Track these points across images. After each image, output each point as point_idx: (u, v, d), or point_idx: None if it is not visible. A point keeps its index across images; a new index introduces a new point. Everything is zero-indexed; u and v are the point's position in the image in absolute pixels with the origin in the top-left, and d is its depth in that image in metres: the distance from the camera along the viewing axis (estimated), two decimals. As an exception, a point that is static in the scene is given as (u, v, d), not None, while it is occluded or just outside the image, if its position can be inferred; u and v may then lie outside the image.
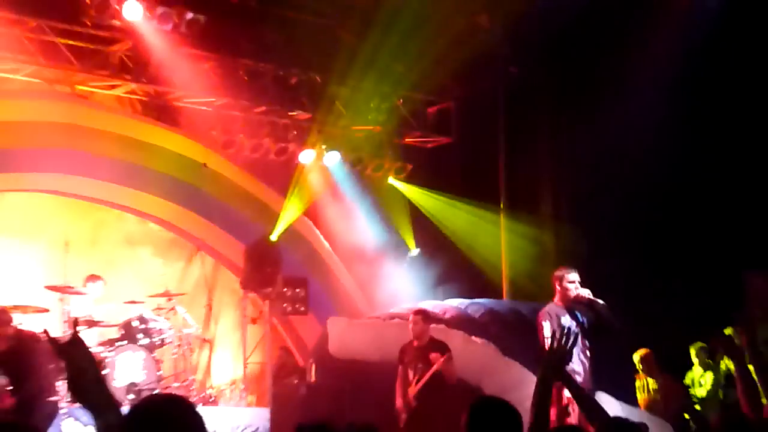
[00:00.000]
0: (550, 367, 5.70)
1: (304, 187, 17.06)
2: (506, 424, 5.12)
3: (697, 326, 13.90)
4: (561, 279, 11.23)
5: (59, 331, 12.97)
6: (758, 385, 5.95)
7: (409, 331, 12.85)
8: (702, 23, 14.94)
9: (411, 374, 12.55)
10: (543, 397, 5.57)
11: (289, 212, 16.81)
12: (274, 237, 16.40)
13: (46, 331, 4.39)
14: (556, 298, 11.22)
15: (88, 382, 3.73)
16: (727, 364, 13.79)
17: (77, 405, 12.63)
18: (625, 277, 15.40)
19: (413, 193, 18.33)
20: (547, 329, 10.87)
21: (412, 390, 12.44)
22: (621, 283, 14.55)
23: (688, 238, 15.78)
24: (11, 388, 11.67)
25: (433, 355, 12.32)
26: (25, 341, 11.70)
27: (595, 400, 6.80)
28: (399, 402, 12.56)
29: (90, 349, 3.81)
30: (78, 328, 4.04)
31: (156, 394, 3.53)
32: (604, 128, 15.38)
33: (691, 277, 15.31)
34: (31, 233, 15.86)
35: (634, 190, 15.60)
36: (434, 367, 12.34)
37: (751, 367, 6.03)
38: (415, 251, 18.17)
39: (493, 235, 18.12)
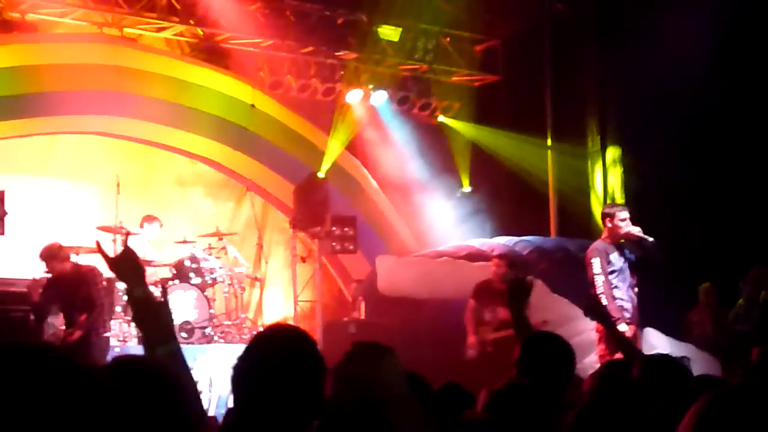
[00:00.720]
0: (512, 296, 5.98)
1: (348, 124, 17.11)
2: (558, 358, 5.23)
3: (745, 262, 13.83)
4: (611, 216, 11.20)
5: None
6: None
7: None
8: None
9: (488, 315, 12.55)
10: (515, 318, 5.82)
11: (334, 149, 16.88)
12: (321, 174, 16.46)
13: (98, 243, 4.52)
14: (605, 235, 11.22)
15: (149, 308, 3.85)
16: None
17: (132, 342, 12.88)
18: (673, 211, 15.37)
19: (463, 128, 18.33)
20: (596, 266, 10.92)
21: (490, 334, 12.44)
22: (669, 218, 14.54)
23: (738, 171, 15.62)
24: (67, 324, 11.93)
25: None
26: (84, 275, 11.93)
27: (627, 338, 6.88)
28: (471, 338, 12.56)
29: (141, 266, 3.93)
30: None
31: (279, 324, 3.61)
32: (650, 61, 15.27)
33: (740, 213, 15.20)
34: (83, 175, 16.07)
35: (682, 123, 15.47)
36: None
37: None
38: (465, 188, 18.22)
39: (542, 171, 18.11)
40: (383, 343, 3.93)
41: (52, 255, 11.86)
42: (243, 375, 3.47)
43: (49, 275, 12.01)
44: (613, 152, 17.37)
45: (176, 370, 3.55)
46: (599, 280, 10.85)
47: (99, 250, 4.23)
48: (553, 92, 18.22)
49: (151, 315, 3.81)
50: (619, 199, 16.55)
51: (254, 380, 3.42)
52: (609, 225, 11.16)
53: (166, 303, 3.92)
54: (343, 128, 16.99)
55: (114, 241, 13.70)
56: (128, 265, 3.94)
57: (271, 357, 3.43)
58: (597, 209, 16.25)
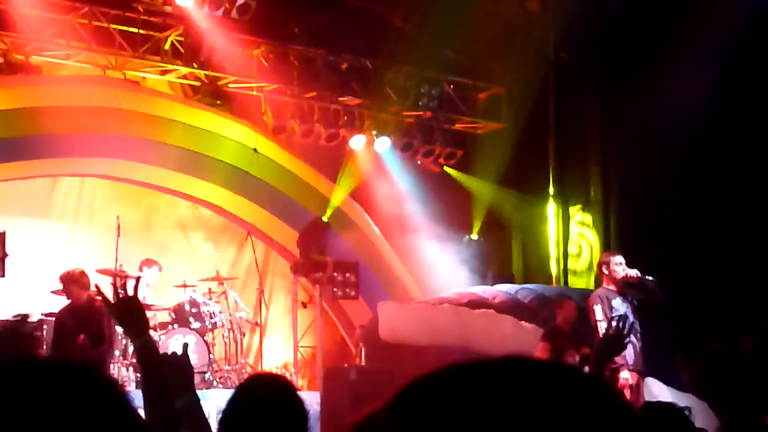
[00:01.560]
0: (605, 352, 5.63)
1: (353, 170, 17.10)
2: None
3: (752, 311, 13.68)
4: (607, 263, 11.24)
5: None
6: None
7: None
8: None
9: (571, 359, 12.23)
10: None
11: (339, 194, 16.88)
12: (325, 218, 16.45)
13: (97, 286, 4.50)
14: (605, 283, 11.20)
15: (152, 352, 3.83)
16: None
17: (130, 387, 12.76)
18: (679, 260, 15.27)
19: (466, 180, 18.31)
20: (598, 313, 10.86)
21: None
22: (675, 267, 14.43)
23: (743, 218, 15.53)
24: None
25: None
26: (98, 309, 11.74)
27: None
28: None
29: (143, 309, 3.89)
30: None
31: (261, 373, 3.70)
32: (655, 111, 15.26)
33: (746, 258, 15.08)
34: (84, 218, 16.03)
35: (686, 173, 15.44)
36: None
37: None
38: (473, 236, 18.17)
39: (543, 221, 18.08)
40: (382, 390, 3.98)
41: (73, 280, 11.76)
42: (229, 422, 3.53)
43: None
44: (616, 202, 17.35)
45: (194, 421, 3.56)
46: (602, 327, 10.77)
47: (99, 293, 4.18)
48: (556, 140, 18.22)
49: (168, 366, 3.81)
50: (623, 248, 16.49)
51: (240, 427, 3.49)
52: (606, 272, 11.16)
53: (185, 355, 3.92)
54: (348, 174, 16.98)
55: (114, 284, 13.58)
56: (130, 312, 3.90)
57: (255, 404, 3.46)
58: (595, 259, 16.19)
